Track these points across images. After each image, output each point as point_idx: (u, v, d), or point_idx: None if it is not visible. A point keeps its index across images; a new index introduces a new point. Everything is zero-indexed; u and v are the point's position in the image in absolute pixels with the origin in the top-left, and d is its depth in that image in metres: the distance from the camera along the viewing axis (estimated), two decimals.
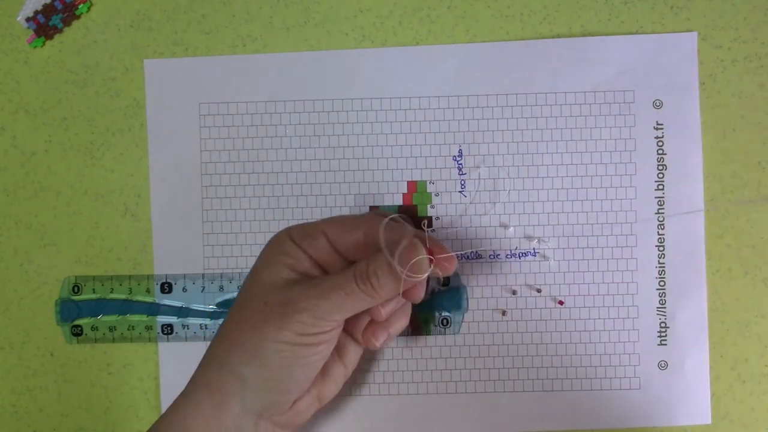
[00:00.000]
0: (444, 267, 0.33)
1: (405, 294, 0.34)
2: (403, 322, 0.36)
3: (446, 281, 0.41)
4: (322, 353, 0.33)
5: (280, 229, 0.35)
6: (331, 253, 0.35)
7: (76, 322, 0.41)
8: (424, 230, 0.34)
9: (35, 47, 0.42)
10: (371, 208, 0.41)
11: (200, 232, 0.41)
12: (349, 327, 0.35)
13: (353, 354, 0.37)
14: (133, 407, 0.42)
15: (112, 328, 0.41)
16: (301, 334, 0.32)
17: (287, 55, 0.41)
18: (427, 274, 0.33)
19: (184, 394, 0.34)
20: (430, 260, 0.33)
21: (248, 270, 0.36)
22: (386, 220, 0.33)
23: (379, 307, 0.34)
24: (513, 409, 0.41)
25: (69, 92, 0.42)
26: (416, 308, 0.41)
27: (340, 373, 0.36)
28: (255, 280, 0.34)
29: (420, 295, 0.34)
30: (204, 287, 0.41)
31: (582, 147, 0.41)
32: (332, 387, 0.36)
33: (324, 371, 0.35)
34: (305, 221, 0.39)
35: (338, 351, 0.36)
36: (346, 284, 0.32)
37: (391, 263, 0.32)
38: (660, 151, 0.41)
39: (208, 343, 0.35)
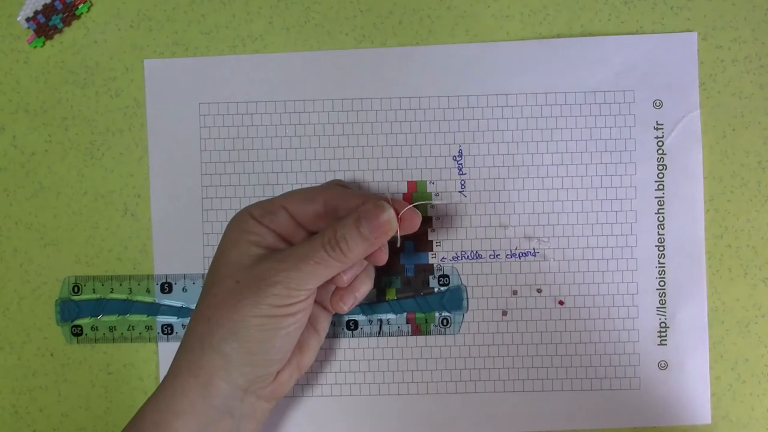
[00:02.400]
0: (411, 224, 0.35)
1: (370, 257, 0.35)
2: (368, 284, 0.37)
3: (446, 281, 0.41)
4: (299, 321, 0.34)
5: (239, 211, 0.36)
6: (293, 225, 0.35)
7: (76, 322, 0.41)
8: (387, 197, 0.35)
9: (35, 47, 0.42)
10: None
11: (200, 232, 0.41)
12: (317, 296, 0.36)
13: (324, 321, 0.38)
14: (133, 407, 0.42)
15: (112, 328, 0.41)
16: (277, 306, 0.33)
17: (287, 55, 0.41)
18: (395, 232, 0.34)
19: (167, 379, 0.34)
20: (397, 219, 0.34)
21: None
22: (384, 200, 0.34)
23: (341, 274, 0.35)
24: (513, 409, 0.41)
25: (69, 92, 0.42)
26: (416, 308, 0.41)
27: (315, 341, 0.37)
28: (223, 260, 0.35)
29: (384, 257, 0.35)
30: None
31: (582, 147, 0.41)
32: (310, 355, 0.37)
33: (300, 341, 0.36)
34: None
35: (310, 320, 0.36)
36: (314, 253, 0.33)
37: (359, 226, 0.33)
38: (660, 151, 0.41)
39: None
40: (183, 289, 0.41)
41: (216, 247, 0.41)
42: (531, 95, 0.41)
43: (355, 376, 0.41)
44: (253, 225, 0.35)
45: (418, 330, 0.41)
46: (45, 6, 0.41)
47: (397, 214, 0.34)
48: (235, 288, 0.33)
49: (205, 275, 0.41)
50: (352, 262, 0.34)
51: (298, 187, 0.41)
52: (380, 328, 0.41)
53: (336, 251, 0.33)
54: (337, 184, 0.38)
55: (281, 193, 0.41)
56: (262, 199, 0.41)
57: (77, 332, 0.41)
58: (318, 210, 0.35)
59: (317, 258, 0.33)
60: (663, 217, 0.41)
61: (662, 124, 0.41)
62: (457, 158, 0.41)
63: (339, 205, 0.35)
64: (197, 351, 0.34)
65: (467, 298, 0.41)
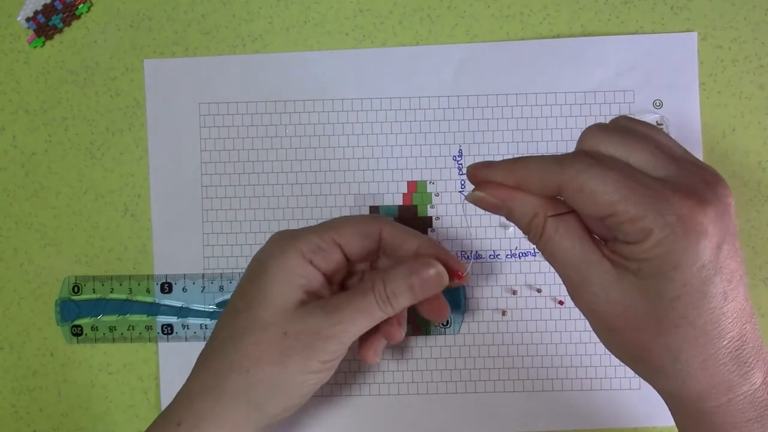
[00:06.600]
0: (459, 281, 0.34)
1: (433, 313, 0.34)
2: None
3: None
4: (336, 367, 0.34)
5: (282, 240, 0.34)
6: (343, 263, 0.34)
7: (76, 322, 0.41)
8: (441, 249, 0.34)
9: (35, 47, 0.42)
10: (371, 209, 0.41)
11: (200, 232, 0.41)
12: None
13: None
14: (133, 407, 0.42)
15: (112, 328, 0.41)
16: (326, 361, 0.32)
17: (287, 55, 0.41)
18: (444, 287, 0.33)
19: (185, 430, 0.32)
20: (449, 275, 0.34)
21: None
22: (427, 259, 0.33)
23: (399, 331, 0.34)
24: (513, 409, 0.41)
25: (69, 92, 0.42)
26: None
27: None
28: (264, 303, 0.32)
29: (446, 311, 0.35)
30: (204, 287, 0.41)
31: None
32: None
33: None
34: (303, 225, 0.38)
35: None
36: (369, 307, 0.32)
37: (410, 281, 0.32)
38: None
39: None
40: (183, 289, 0.41)
41: (216, 248, 0.41)
42: (531, 95, 0.41)
43: (355, 376, 0.41)
44: (302, 266, 0.33)
45: (418, 330, 0.41)
46: (45, 6, 0.41)
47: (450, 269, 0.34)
48: (283, 341, 0.31)
49: (205, 275, 0.41)
50: (395, 313, 0.33)
51: (298, 188, 0.41)
52: None
53: (387, 306, 0.32)
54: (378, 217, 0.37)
55: (281, 193, 0.41)
56: (261, 199, 0.41)
57: (77, 332, 0.41)
58: (372, 247, 0.34)
59: (371, 311, 0.32)
60: None
61: (662, 125, 0.41)
62: (457, 158, 0.41)
63: (397, 243, 0.34)
64: (230, 404, 0.32)
65: (467, 298, 0.41)
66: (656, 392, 0.30)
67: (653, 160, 0.27)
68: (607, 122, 0.29)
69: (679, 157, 0.28)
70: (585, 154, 0.27)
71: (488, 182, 0.29)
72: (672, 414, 0.30)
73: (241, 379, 0.32)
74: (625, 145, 0.27)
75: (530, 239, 0.29)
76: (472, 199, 0.30)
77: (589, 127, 0.28)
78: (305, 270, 0.33)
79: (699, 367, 0.27)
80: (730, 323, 0.26)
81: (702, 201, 0.25)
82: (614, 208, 0.26)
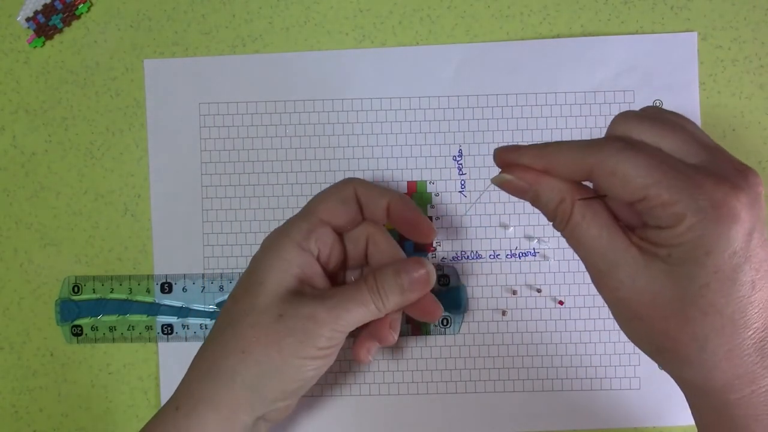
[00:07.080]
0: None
1: (424, 314, 0.35)
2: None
3: (446, 281, 0.41)
4: (334, 358, 0.34)
5: (275, 237, 0.34)
6: (334, 240, 0.35)
7: (76, 322, 0.41)
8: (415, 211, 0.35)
9: (35, 47, 0.42)
10: None
11: (200, 232, 0.41)
12: None
13: None
14: (133, 407, 0.42)
15: (112, 328, 0.41)
16: (321, 347, 0.32)
17: (287, 55, 0.41)
18: (432, 286, 0.34)
19: (183, 414, 0.32)
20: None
21: None
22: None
23: (391, 333, 0.35)
24: (513, 409, 0.41)
25: (69, 92, 0.42)
26: None
27: None
28: (261, 291, 0.33)
29: (438, 312, 0.35)
30: (204, 287, 0.41)
31: None
32: None
33: None
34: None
35: None
36: (362, 297, 0.33)
37: (398, 278, 0.33)
38: None
39: None
40: (183, 289, 0.41)
41: (216, 248, 0.41)
42: (531, 95, 0.41)
43: (354, 376, 0.41)
44: (298, 255, 0.33)
45: (418, 330, 0.41)
46: (45, 6, 0.41)
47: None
48: (279, 324, 0.32)
49: (205, 275, 0.41)
50: (387, 312, 0.34)
51: (298, 188, 0.41)
52: None
53: (378, 300, 0.33)
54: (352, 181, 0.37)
55: (281, 193, 0.41)
56: (261, 199, 0.41)
57: (77, 332, 0.41)
58: (354, 209, 0.35)
59: (364, 301, 0.33)
60: None
61: None
62: (457, 158, 0.41)
63: (370, 201, 0.35)
64: (225, 385, 0.32)
65: (467, 298, 0.41)
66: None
67: (685, 147, 0.27)
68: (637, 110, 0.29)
69: (710, 146, 0.28)
70: (617, 139, 0.27)
71: (516, 165, 0.29)
72: (691, 407, 0.30)
73: (237, 360, 0.32)
74: (656, 132, 0.27)
75: (556, 226, 0.29)
76: (498, 181, 0.29)
77: (620, 113, 0.28)
78: (301, 258, 0.33)
79: (724, 357, 0.26)
80: (756, 313, 0.26)
81: (735, 187, 0.25)
82: (647, 191, 0.26)
